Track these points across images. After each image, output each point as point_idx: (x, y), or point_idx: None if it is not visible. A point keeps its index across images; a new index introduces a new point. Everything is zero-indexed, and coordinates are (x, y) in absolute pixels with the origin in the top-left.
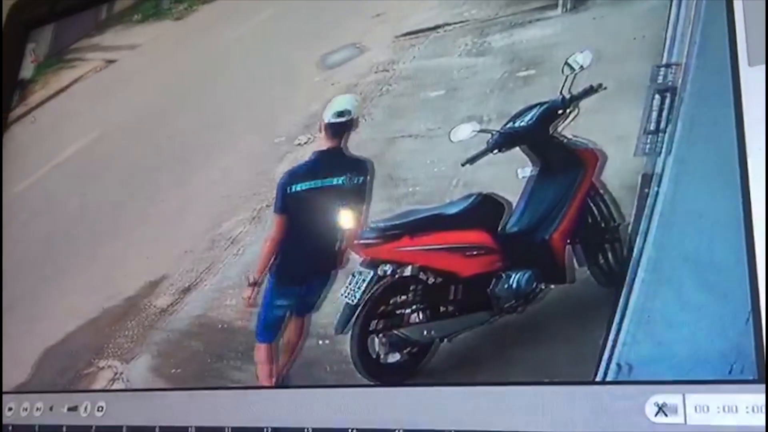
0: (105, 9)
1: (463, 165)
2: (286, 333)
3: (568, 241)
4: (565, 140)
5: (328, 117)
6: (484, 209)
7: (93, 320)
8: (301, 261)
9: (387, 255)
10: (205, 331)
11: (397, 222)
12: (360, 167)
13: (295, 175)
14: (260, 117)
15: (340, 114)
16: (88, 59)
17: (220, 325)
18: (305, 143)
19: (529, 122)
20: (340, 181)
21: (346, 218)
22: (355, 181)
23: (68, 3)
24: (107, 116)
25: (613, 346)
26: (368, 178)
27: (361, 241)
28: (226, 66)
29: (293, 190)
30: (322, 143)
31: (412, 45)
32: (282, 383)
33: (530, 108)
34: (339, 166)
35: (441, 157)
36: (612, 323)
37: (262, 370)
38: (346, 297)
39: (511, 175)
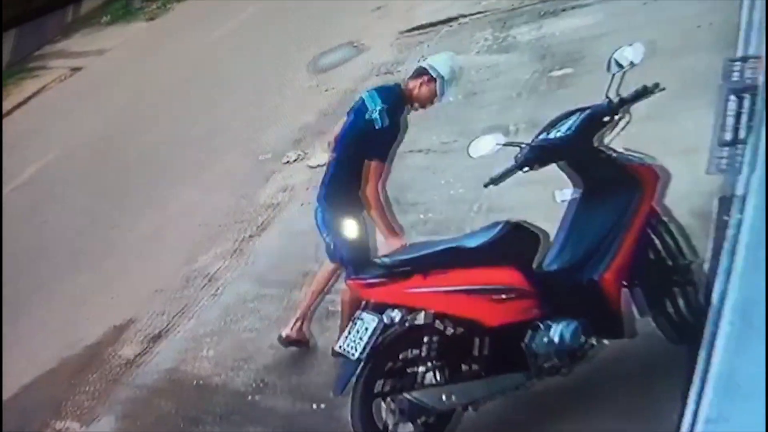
0: (71, 11)
1: (486, 186)
2: None
3: (625, 282)
4: (615, 154)
5: None
6: (515, 241)
7: (50, 372)
8: None
9: (395, 298)
10: (178, 388)
11: (407, 257)
12: None
13: None
14: (244, 130)
15: None
16: (53, 67)
17: (195, 382)
18: (295, 161)
19: (568, 133)
20: None
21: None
22: None
23: (32, 5)
24: (71, 132)
25: (693, 424)
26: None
27: (363, 280)
28: (205, 71)
29: None
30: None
31: (419, 42)
32: None
33: (568, 115)
34: None
35: (458, 175)
36: (689, 392)
37: None
38: (345, 349)
39: (546, 199)
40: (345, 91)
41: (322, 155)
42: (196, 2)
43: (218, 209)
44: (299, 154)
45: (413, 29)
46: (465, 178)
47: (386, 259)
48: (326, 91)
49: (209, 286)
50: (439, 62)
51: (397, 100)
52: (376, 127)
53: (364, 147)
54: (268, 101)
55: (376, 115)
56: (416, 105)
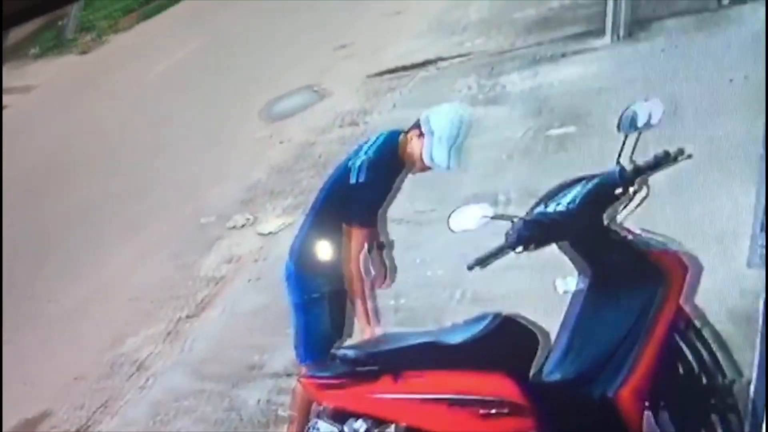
0: None
1: (470, 268)
2: None
3: (647, 403)
4: (631, 236)
5: None
6: (506, 340)
7: None
8: None
9: (358, 404)
10: None
11: (374, 350)
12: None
13: None
14: (184, 186)
15: None
16: None
17: None
18: (242, 226)
19: (571, 206)
20: None
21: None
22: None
23: None
24: None
25: None
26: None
27: (319, 379)
28: (141, 115)
29: None
30: None
31: (390, 88)
32: None
33: (571, 184)
34: None
35: (436, 254)
36: None
37: None
38: None
39: (545, 288)
40: (302, 143)
41: (274, 221)
42: (134, 34)
43: (152, 281)
44: (248, 219)
45: (383, 72)
46: (444, 257)
47: (349, 352)
48: (280, 143)
49: (137, 376)
50: (437, 114)
51: (389, 153)
52: (351, 182)
53: (340, 205)
54: (213, 153)
55: (356, 165)
56: (412, 166)
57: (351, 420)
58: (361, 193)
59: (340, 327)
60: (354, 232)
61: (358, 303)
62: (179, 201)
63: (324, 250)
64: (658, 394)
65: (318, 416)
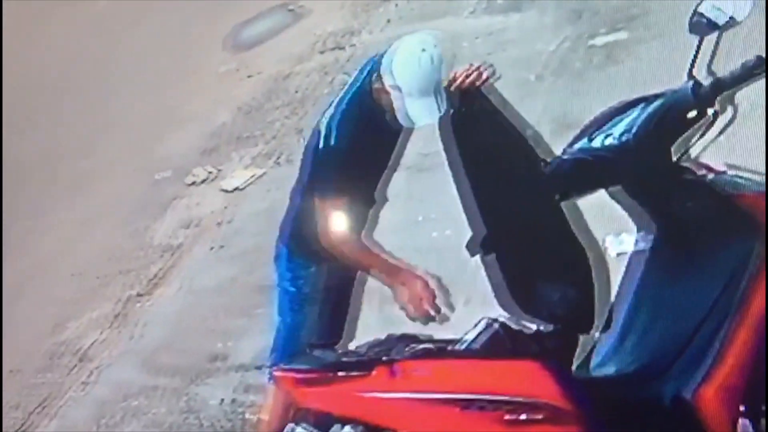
0: None
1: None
2: None
3: (742, 408)
4: (711, 176)
5: None
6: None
7: None
8: None
9: (345, 406)
10: None
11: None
12: None
13: None
14: (135, 135)
15: None
16: None
17: None
18: (203, 182)
19: (626, 139)
20: None
21: None
22: None
23: None
24: None
25: None
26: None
27: (297, 372)
28: (86, 54)
29: None
30: None
31: (382, 1)
32: None
33: (625, 108)
34: None
35: (445, 209)
36: None
37: None
38: None
39: (591, 248)
40: (274, 76)
41: (241, 173)
42: None
43: (97, 252)
44: (210, 172)
45: None
46: (456, 213)
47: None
48: (249, 77)
49: (79, 369)
50: (398, 62)
51: (362, 105)
52: (320, 146)
53: (313, 175)
54: (169, 93)
55: (324, 124)
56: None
57: (337, 426)
58: (333, 159)
59: (337, 329)
60: (328, 204)
61: (383, 276)
62: (129, 154)
63: (314, 230)
64: (758, 394)
65: (296, 421)
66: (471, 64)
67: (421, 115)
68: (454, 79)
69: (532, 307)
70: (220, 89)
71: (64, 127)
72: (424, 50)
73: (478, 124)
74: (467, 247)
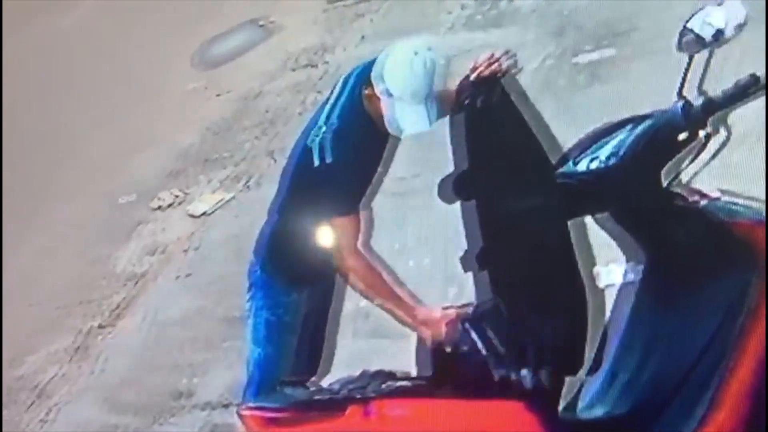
0: None
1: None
2: None
3: None
4: (704, 202)
5: None
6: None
7: None
8: None
9: None
10: None
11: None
12: None
13: None
14: (99, 157)
15: None
16: None
17: None
18: (170, 206)
19: (613, 162)
20: None
21: None
22: None
23: None
24: None
25: None
26: None
27: (266, 411)
28: (50, 71)
29: None
30: None
31: (358, 15)
32: None
33: (611, 130)
34: None
35: (423, 235)
36: None
37: None
38: None
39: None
40: (244, 95)
41: (209, 198)
42: None
43: (57, 281)
44: (176, 196)
45: None
46: (434, 240)
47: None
48: (217, 96)
49: (38, 406)
50: (391, 66)
51: (355, 115)
52: (315, 165)
53: (311, 196)
54: (134, 112)
55: (317, 142)
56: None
57: None
58: (332, 176)
59: (312, 363)
60: (339, 223)
61: (390, 303)
62: (91, 176)
63: (299, 251)
64: None
65: None
66: (492, 54)
67: (410, 123)
68: (475, 68)
69: (519, 339)
70: (187, 108)
71: (20, 148)
72: (416, 53)
73: (494, 118)
74: (461, 262)
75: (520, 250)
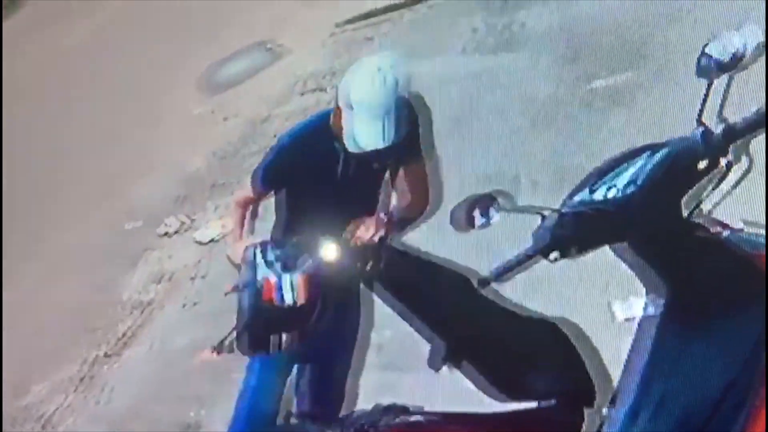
0: None
1: (481, 286)
2: None
3: None
4: (726, 233)
5: None
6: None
7: None
8: None
9: None
10: None
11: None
12: None
13: None
14: (105, 182)
15: None
16: None
17: None
18: (176, 232)
19: (631, 191)
20: None
21: None
22: None
23: None
24: None
25: None
26: None
27: None
28: (54, 92)
29: None
30: None
31: (367, 39)
32: None
33: (628, 158)
34: None
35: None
36: None
37: None
38: None
39: (597, 314)
40: (252, 119)
41: (216, 224)
42: None
43: (62, 308)
44: (183, 222)
45: (356, 19)
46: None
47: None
48: (225, 120)
49: None
50: (353, 78)
51: (314, 134)
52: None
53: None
54: (140, 137)
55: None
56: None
57: None
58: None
59: (328, 395)
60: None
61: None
62: (97, 201)
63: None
64: None
65: None
66: (363, 221)
67: (367, 138)
68: (356, 240)
69: (526, 393)
70: (194, 133)
71: (24, 172)
72: (379, 69)
73: (397, 272)
74: (429, 364)
75: (481, 340)
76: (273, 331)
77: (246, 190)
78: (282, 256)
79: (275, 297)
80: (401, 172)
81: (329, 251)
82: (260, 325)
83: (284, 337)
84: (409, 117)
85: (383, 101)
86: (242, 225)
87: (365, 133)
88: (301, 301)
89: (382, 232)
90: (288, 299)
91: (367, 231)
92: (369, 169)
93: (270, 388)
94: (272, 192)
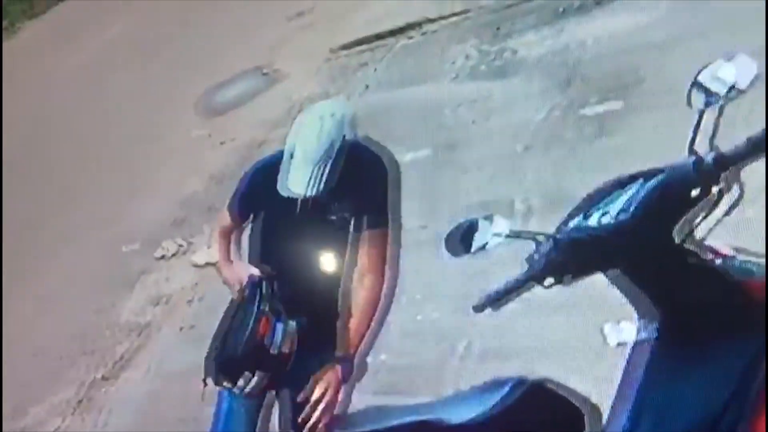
0: None
1: (477, 310)
2: None
3: None
4: (718, 260)
5: None
6: (534, 418)
7: None
8: None
9: None
10: None
11: None
12: None
13: None
14: (101, 206)
15: None
16: None
17: None
18: (173, 255)
19: (624, 217)
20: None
21: None
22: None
23: None
24: None
25: None
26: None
27: None
28: (53, 116)
29: None
30: None
31: (361, 64)
32: None
33: (621, 185)
34: None
35: (429, 290)
36: None
37: None
38: None
39: (590, 339)
40: (249, 143)
41: (214, 247)
42: (50, 18)
43: (59, 331)
44: (180, 245)
45: (351, 44)
46: (441, 295)
47: None
48: (221, 143)
49: None
50: (302, 115)
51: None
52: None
53: None
54: (137, 160)
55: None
56: None
57: None
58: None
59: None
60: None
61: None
62: (94, 224)
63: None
64: None
65: None
66: (325, 374)
67: (291, 182)
68: (304, 422)
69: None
70: (191, 156)
71: (22, 195)
72: (321, 118)
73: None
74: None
75: None
76: (249, 368)
77: (225, 220)
78: (285, 299)
79: (267, 336)
80: (366, 234)
81: None
82: (244, 357)
83: (255, 378)
84: (378, 174)
85: (312, 149)
86: (228, 254)
87: (293, 178)
88: (286, 351)
89: (340, 392)
90: (277, 344)
91: (323, 389)
92: (327, 220)
93: (242, 411)
94: (250, 218)
